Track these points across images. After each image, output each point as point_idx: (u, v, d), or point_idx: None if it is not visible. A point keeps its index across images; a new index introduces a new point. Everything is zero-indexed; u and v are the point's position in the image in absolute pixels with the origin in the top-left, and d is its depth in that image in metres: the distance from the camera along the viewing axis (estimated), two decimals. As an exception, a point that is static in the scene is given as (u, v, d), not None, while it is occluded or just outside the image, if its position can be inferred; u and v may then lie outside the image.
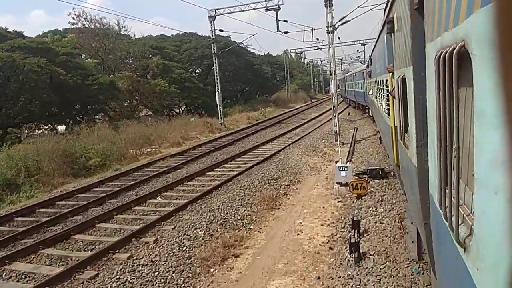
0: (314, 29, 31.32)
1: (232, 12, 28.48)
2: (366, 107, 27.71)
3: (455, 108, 1.91)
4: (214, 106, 48.70)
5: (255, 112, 43.33)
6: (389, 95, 6.83)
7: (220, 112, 30.45)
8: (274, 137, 23.24)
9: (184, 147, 22.38)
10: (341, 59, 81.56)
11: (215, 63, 30.06)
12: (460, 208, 2.00)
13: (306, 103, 62.31)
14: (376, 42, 11.18)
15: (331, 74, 19.85)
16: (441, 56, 2.00)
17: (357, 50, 55.01)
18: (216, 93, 30.15)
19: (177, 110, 45.38)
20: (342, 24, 20.00)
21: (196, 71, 54.06)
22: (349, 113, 34.73)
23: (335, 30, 19.75)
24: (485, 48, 1.41)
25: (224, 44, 50.67)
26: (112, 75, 35.20)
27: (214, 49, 30.04)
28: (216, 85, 30.31)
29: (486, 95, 1.44)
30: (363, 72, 24.60)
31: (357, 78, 31.45)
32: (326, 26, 19.51)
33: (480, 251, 1.64)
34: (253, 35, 31.58)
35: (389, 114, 7.39)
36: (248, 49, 76.15)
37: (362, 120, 29.46)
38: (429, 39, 2.51)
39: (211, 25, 29.15)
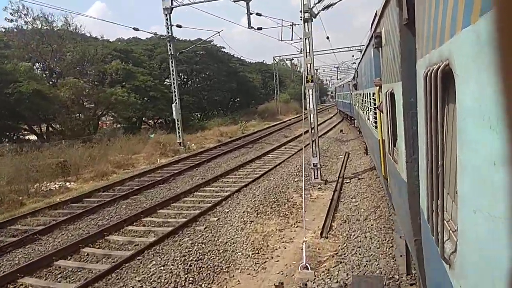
0: (295, 24, 24.86)
1: (193, 4, 22.21)
2: (353, 118, 26.95)
3: (439, 126, 1.98)
4: (190, 119, 42.66)
5: (236, 126, 37.04)
6: (377, 110, 6.36)
7: (179, 129, 23.97)
8: (234, 167, 16.72)
9: (103, 183, 15.82)
10: (337, 68, 75.54)
11: (172, 66, 23.69)
12: (447, 224, 2.03)
13: (298, 115, 55.90)
14: (363, 55, 11.08)
15: (307, 82, 13.58)
16: (428, 74, 2.06)
17: (352, 56, 48.67)
18: (173, 105, 23.73)
19: (161, 122, 39.21)
20: (324, 9, 13.72)
21: (168, 80, 47.85)
22: (341, 130, 28.25)
23: (314, 17, 13.40)
24: (467, 68, 1.47)
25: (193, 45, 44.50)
26: (53, 82, 28.91)
27: (170, 50, 23.72)
28: (173, 94, 23.92)
29: (467, 115, 1.51)
30: (349, 84, 24.02)
31: (345, 90, 31.04)
32: (301, 11, 13.14)
33: (463, 268, 1.68)
34: (219, 33, 24.34)
35: (376, 127, 7.28)
36: (237, 56, 70.71)
37: (356, 140, 22.98)
38: (419, 56, 2.55)
39: (167, 19, 22.84)
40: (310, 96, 13.72)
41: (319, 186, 13.24)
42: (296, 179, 13.77)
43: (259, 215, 9.82)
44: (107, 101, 30.38)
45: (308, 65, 13.66)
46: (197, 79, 47.65)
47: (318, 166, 13.84)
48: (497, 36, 1.05)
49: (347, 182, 13.39)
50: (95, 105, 29.69)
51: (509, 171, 1.11)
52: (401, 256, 5.42)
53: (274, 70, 55.96)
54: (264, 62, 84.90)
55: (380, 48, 5.03)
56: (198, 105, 46.09)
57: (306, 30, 13.39)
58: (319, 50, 52.80)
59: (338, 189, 12.54)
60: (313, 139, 13.99)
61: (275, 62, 55.37)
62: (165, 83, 46.91)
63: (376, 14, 5.35)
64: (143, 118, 37.71)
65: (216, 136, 29.90)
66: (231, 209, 10.54)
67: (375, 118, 7.55)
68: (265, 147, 23.58)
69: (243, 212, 9.98)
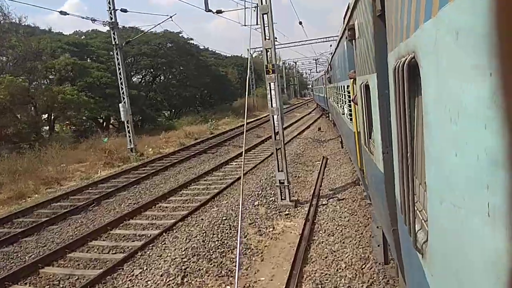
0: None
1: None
2: (327, 111, 26.52)
3: (408, 118, 1.97)
4: (156, 119, 38.80)
5: (207, 124, 33.44)
6: (352, 102, 6.29)
7: (130, 132, 20.25)
8: (183, 183, 13.17)
9: (13, 208, 12.04)
10: (316, 60, 72.42)
11: (117, 58, 19.89)
12: (419, 214, 2.03)
13: (275, 110, 52.79)
14: (336, 48, 10.95)
15: (268, 73, 10.17)
16: (397, 66, 2.05)
17: (330, 46, 45.49)
18: (121, 104, 20.01)
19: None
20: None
21: (138, 76, 43.73)
22: (319, 128, 24.94)
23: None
24: (430, 61, 1.48)
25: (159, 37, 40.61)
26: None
27: (114, 39, 19.86)
28: (121, 91, 20.15)
29: (431, 107, 1.53)
30: (323, 77, 23.83)
31: (320, 83, 30.54)
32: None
33: (434, 258, 1.69)
34: (171, 17, 20.61)
35: (351, 119, 7.12)
36: (212, 50, 66.80)
37: (336, 141, 19.71)
38: (389, 49, 2.53)
39: (109, 3, 18.98)
40: (272, 92, 10.29)
41: (286, 212, 9.86)
42: (256, 203, 10.34)
43: (185, 280, 6.31)
44: (53, 101, 26.36)
45: (268, 52, 10.21)
46: (169, 75, 43.76)
47: (286, 183, 10.45)
48: (497, 36, 0.97)
49: (324, 204, 10.05)
50: (35, 106, 25.54)
51: (469, 162, 1.13)
52: (378, 245, 5.33)
53: (248, 63, 52.23)
54: (242, 56, 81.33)
55: (353, 41, 4.97)
56: (168, 102, 42.25)
57: (264, 3, 9.89)
58: (295, 42, 49.50)
59: (311, 217, 9.18)
60: (278, 148, 10.57)
61: (250, 54, 51.63)
62: (132, 81, 43.00)
63: (348, 6, 5.33)
64: (102, 120, 33.64)
65: (180, 138, 26.24)
66: (145, 269, 6.93)
67: (350, 110, 7.47)
68: (231, 151, 20.10)
69: (161, 275, 6.43)
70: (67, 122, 32.36)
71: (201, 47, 64.31)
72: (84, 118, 31.16)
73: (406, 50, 1.87)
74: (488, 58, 0.96)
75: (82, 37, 40.06)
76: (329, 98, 20.65)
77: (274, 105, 10.40)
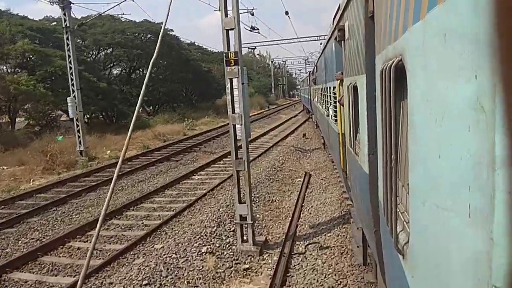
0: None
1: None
2: (311, 113, 25.90)
3: (393, 120, 1.96)
4: (128, 115, 35.40)
5: (183, 124, 30.25)
6: (338, 103, 6.38)
7: (79, 132, 16.98)
8: (112, 211, 9.93)
9: None
10: (305, 60, 69.56)
11: (67, 43, 16.63)
12: (401, 216, 2.02)
13: (261, 110, 49.56)
14: (323, 49, 10.82)
15: (228, 64, 7.16)
16: (384, 69, 2.04)
17: (320, 44, 42.50)
18: (69, 98, 16.72)
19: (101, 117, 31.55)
20: None
21: (118, 68, 40.19)
22: (304, 135, 21.88)
23: None
24: (417, 63, 1.49)
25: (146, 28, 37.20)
26: None
27: (66, 21, 16.52)
28: (70, 82, 16.87)
29: (417, 109, 1.53)
30: (309, 79, 24.09)
31: (305, 85, 30.76)
32: None
33: (414, 259, 1.68)
34: None
35: (336, 120, 7.22)
36: (197, 44, 63.44)
37: (322, 152, 16.73)
38: (377, 52, 2.55)
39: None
40: (235, 92, 7.21)
41: (246, 264, 6.80)
42: (205, 249, 7.22)
43: None
44: (6, 91, 22.90)
45: (229, 34, 7.13)
46: (156, 69, 40.30)
47: (249, 220, 7.40)
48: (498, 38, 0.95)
49: (300, 253, 7.03)
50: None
51: (452, 164, 1.13)
52: (358, 246, 5.22)
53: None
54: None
55: (343, 42, 4.96)
56: (146, 98, 38.84)
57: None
58: (284, 39, 46.48)
59: (280, 276, 6.15)
60: (239, 170, 7.48)
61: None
62: (113, 74, 39.43)
63: (339, 7, 5.34)
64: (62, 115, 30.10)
65: (148, 139, 22.99)
66: None
67: (335, 112, 7.38)
68: (200, 159, 16.97)
69: None
70: (27, 116, 28.87)
71: (188, 41, 61.33)
72: (49, 112, 27.76)
73: (394, 53, 1.89)
74: (474, 60, 0.96)
75: (53, 23, 36.36)
76: (313, 99, 20.28)
77: (236, 110, 7.32)
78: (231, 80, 7.13)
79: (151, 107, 41.52)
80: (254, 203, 9.27)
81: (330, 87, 8.96)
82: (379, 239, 3.01)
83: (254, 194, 10.47)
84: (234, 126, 7.22)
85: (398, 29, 1.74)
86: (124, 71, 39.63)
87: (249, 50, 55.42)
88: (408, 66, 1.61)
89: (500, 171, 0.88)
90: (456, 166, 1.10)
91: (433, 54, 1.27)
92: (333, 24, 6.56)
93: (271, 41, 46.29)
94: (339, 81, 6.16)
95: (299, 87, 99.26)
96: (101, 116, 34.25)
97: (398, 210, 2.05)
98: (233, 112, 7.20)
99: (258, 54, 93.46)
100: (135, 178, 13.40)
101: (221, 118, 38.34)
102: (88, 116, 31.87)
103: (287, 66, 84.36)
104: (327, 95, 10.07)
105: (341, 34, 4.74)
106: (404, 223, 1.93)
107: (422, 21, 1.33)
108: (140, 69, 39.98)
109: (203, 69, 42.16)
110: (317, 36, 44.22)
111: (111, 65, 38.79)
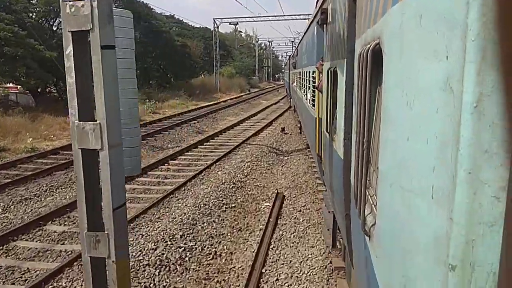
0: None
1: None
2: (290, 97, 25.81)
3: (367, 104, 1.95)
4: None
5: (144, 106, 25.53)
6: (316, 89, 6.47)
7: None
8: None
9: None
10: (292, 41, 64.75)
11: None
12: (371, 199, 2.02)
13: (241, 93, 44.94)
14: (305, 33, 10.58)
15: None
16: (362, 53, 2.03)
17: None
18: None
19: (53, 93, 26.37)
20: None
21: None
22: (282, 129, 17.52)
23: None
24: (392, 46, 1.47)
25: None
26: None
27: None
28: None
29: (390, 92, 1.51)
30: (288, 63, 24.35)
31: (286, 69, 29.46)
32: None
33: (379, 239, 1.69)
34: None
35: (313, 105, 7.13)
36: (177, 17, 57.93)
37: (304, 156, 12.56)
38: (357, 36, 2.51)
39: None
40: (76, 64, 2.83)
41: None
42: None
43: None
44: None
45: None
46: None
47: None
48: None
49: None
50: None
51: (419, 146, 1.13)
52: (328, 229, 5.30)
53: (213, 36, 43.95)
54: (220, 30, 71.99)
55: (325, 25, 4.85)
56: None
57: None
58: (270, 15, 41.58)
59: None
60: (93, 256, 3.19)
61: (215, 25, 42.99)
62: (55, 40, 33.69)
63: None
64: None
65: (56, 132, 18.35)
66: None
67: (314, 96, 7.34)
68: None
69: None
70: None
71: (167, 14, 55.69)
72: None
73: (372, 36, 1.85)
74: (446, 41, 0.95)
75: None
76: (292, 83, 19.99)
77: (86, 112, 2.95)
78: (72, 36, 2.71)
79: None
80: (179, 265, 5.18)
81: (310, 71, 8.66)
82: (349, 223, 3.00)
83: (186, 242, 6.28)
84: (82, 157, 2.83)
85: (378, 12, 1.73)
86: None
87: (230, 25, 50.10)
88: (384, 49, 1.61)
89: (464, 151, 0.89)
90: (423, 148, 1.11)
91: (408, 36, 1.26)
92: (316, 7, 6.52)
93: (256, 17, 41.28)
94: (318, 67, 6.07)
95: (284, 70, 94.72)
96: (54, 92, 29.18)
97: (367, 193, 2.06)
98: (78, 115, 2.80)
99: (241, 32, 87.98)
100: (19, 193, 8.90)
101: (194, 100, 33.75)
102: (39, 90, 26.95)
103: (273, 47, 79.40)
104: (307, 79, 9.65)
105: (323, 17, 4.62)
106: (373, 206, 1.94)
107: (401, 2, 1.32)
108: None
109: (176, 43, 36.99)
110: (305, 15, 39.56)
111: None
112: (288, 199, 8.73)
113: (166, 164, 11.65)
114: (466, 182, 0.88)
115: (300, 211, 7.97)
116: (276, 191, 9.15)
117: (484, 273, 0.90)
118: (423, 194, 1.09)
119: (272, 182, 10.14)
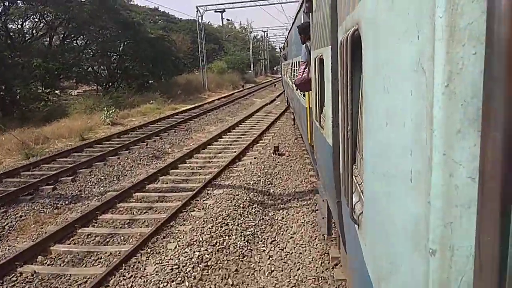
0: None
1: None
2: (284, 90, 24.58)
3: (350, 90, 1.93)
4: (39, 97, 24.67)
5: (103, 116, 19.77)
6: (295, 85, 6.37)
7: None
8: None
9: None
10: (288, 30, 58.71)
11: None
12: (359, 187, 2.00)
13: (232, 92, 38.94)
14: (293, 22, 10.26)
15: None
16: (343, 40, 1.99)
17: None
18: None
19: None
20: None
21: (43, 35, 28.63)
22: (276, 150, 11.71)
23: None
24: (369, 31, 1.44)
25: None
26: None
27: None
28: None
29: (369, 78, 1.48)
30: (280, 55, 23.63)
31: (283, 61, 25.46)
32: None
33: (367, 227, 1.66)
34: None
35: (304, 95, 6.94)
36: (162, 10, 51.98)
37: (311, 211, 6.88)
38: (339, 23, 2.48)
39: None
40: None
41: None
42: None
43: None
44: None
45: None
46: (75, 35, 29.20)
47: None
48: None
49: None
50: None
51: (397, 130, 1.11)
52: (323, 218, 5.26)
53: (197, 26, 37.87)
54: (210, 23, 65.85)
55: (310, 13, 4.79)
56: (76, 73, 28.07)
57: None
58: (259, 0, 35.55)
59: None
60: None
61: (199, 14, 36.80)
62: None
63: None
64: None
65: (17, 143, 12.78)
66: None
67: None
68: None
69: None
70: None
71: (151, 6, 49.92)
72: None
73: (352, 22, 1.83)
74: (416, 20, 0.94)
75: None
76: (284, 75, 20.05)
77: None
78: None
79: (105, 85, 30.77)
80: None
81: (299, 62, 8.11)
82: (341, 210, 3.03)
83: None
84: None
85: None
86: (43, 36, 28.21)
87: (216, 12, 44.13)
88: (363, 35, 1.58)
89: (437, 132, 0.87)
90: (400, 132, 1.09)
91: (382, 18, 1.24)
92: None
93: (244, 1, 35.35)
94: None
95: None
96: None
97: (355, 181, 2.03)
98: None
99: (235, 23, 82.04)
100: None
101: (175, 103, 27.96)
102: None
103: (269, 38, 73.24)
104: (297, 70, 9.09)
105: (309, 5, 4.61)
106: (360, 194, 1.93)
107: None
108: (67, 35, 28.84)
109: (149, 36, 30.99)
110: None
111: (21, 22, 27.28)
112: None
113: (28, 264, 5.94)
114: (441, 164, 0.86)
115: None
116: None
117: (463, 257, 0.88)
118: (403, 179, 1.07)
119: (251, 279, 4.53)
